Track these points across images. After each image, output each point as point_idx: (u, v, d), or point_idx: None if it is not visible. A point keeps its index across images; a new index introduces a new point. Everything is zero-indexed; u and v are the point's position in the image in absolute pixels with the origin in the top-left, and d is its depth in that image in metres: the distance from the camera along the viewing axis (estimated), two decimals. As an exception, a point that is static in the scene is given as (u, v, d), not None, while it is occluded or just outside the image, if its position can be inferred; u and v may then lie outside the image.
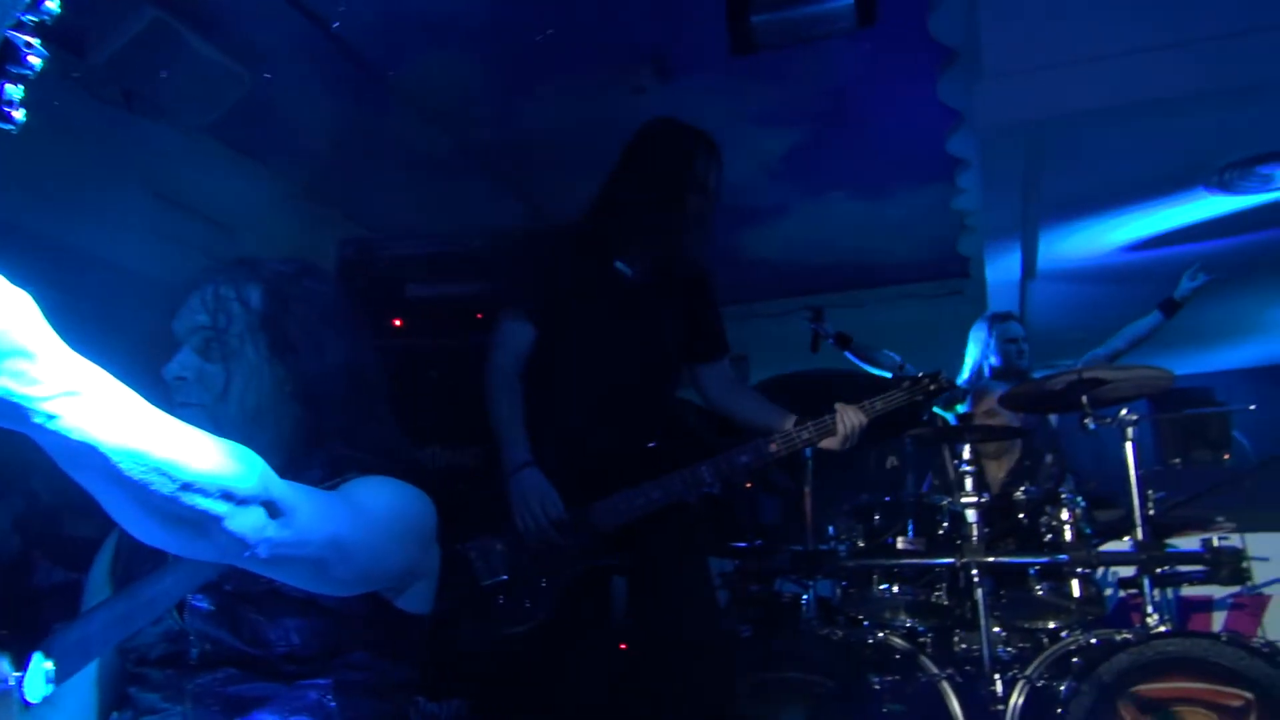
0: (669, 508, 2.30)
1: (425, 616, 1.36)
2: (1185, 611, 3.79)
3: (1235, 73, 2.78)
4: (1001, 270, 4.32)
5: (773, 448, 2.31)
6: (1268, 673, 2.30)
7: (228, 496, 0.88)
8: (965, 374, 4.05)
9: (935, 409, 4.05)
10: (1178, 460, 4.49)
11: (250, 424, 1.23)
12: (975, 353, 3.95)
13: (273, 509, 0.94)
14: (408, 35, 3.66)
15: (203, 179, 4.38)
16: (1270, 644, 3.47)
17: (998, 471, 3.61)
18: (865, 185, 4.97)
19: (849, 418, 2.31)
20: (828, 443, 2.35)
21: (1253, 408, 3.99)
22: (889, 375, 4.23)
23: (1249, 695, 2.31)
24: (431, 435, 3.48)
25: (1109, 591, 3.11)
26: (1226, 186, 3.64)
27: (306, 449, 1.30)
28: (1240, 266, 4.41)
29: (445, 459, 3.51)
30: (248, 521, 0.91)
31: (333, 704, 1.23)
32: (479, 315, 3.61)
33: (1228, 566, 2.51)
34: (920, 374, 2.51)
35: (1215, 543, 2.61)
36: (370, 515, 1.17)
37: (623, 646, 2.64)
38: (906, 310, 6.12)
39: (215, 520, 0.88)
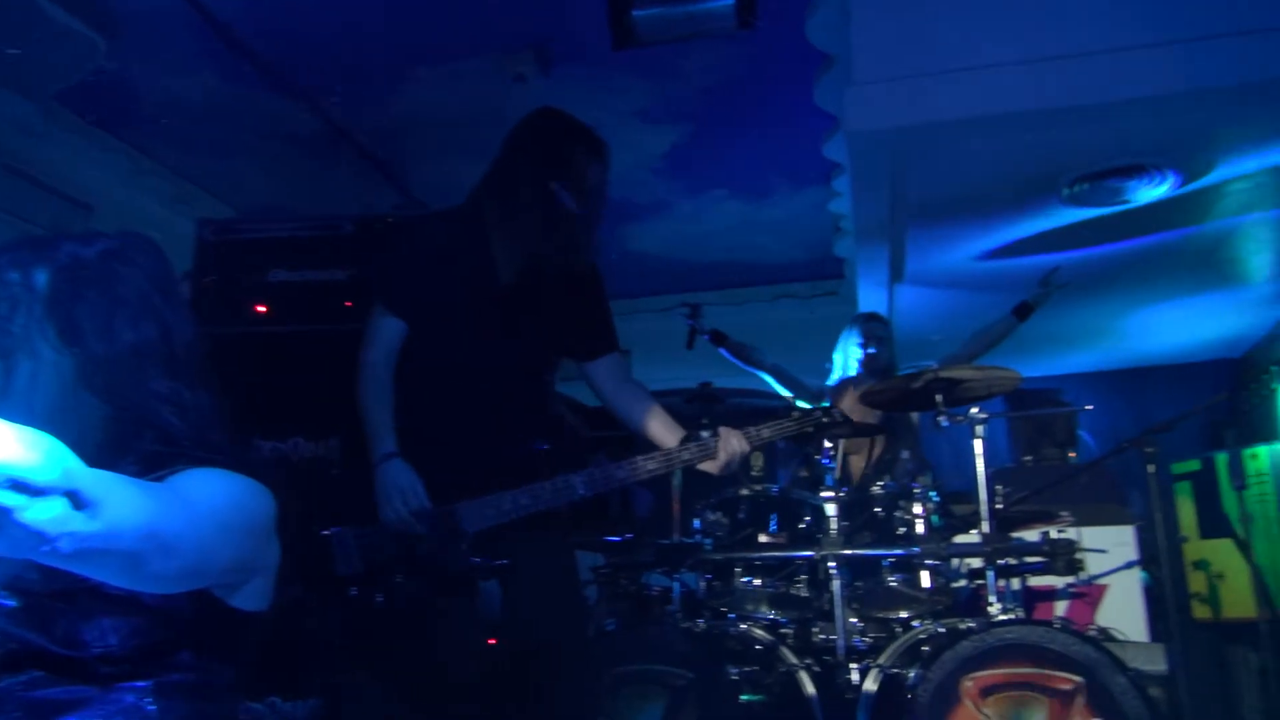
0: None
1: (261, 614, 1.30)
2: (1031, 600, 4.00)
3: (1084, 91, 2.94)
4: (871, 272, 4.47)
5: (650, 465, 2.29)
6: (1095, 657, 2.45)
7: (20, 487, 0.83)
8: (835, 372, 4.18)
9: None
10: (1029, 458, 4.74)
11: (44, 423, 1.14)
12: (842, 352, 4.08)
13: (77, 500, 0.89)
14: (278, 8, 3.53)
15: (55, 152, 4.13)
16: (1102, 630, 3.73)
17: (857, 467, 3.74)
18: (745, 185, 5.06)
19: (731, 444, 2.27)
20: (706, 466, 2.31)
21: (1090, 408, 4.25)
22: (761, 374, 4.34)
23: (1078, 678, 2.45)
24: (295, 426, 3.38)
25: (963, 582, 3.24)
26: (1077, 200, 3.85)
27: (118, 446, 1.22)
28: (1088, 276, 4.69)
29: (309, 450, 3.42)
30: (46, 513, 0.86)
31: (151, 707, 1.16)
32: (347, 303, 3.52)
33: (1063, 558, 2.66)
34: (814, 408, 2.53)
35: (1053, 535, 2.76)
36: (196, 508, 1.11)
37: (491, 642, 2.61)
38: (784, 310, 6.26)
39: (5, 513, 0.82)
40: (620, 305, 6.87)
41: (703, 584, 3.05)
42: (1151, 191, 3.75)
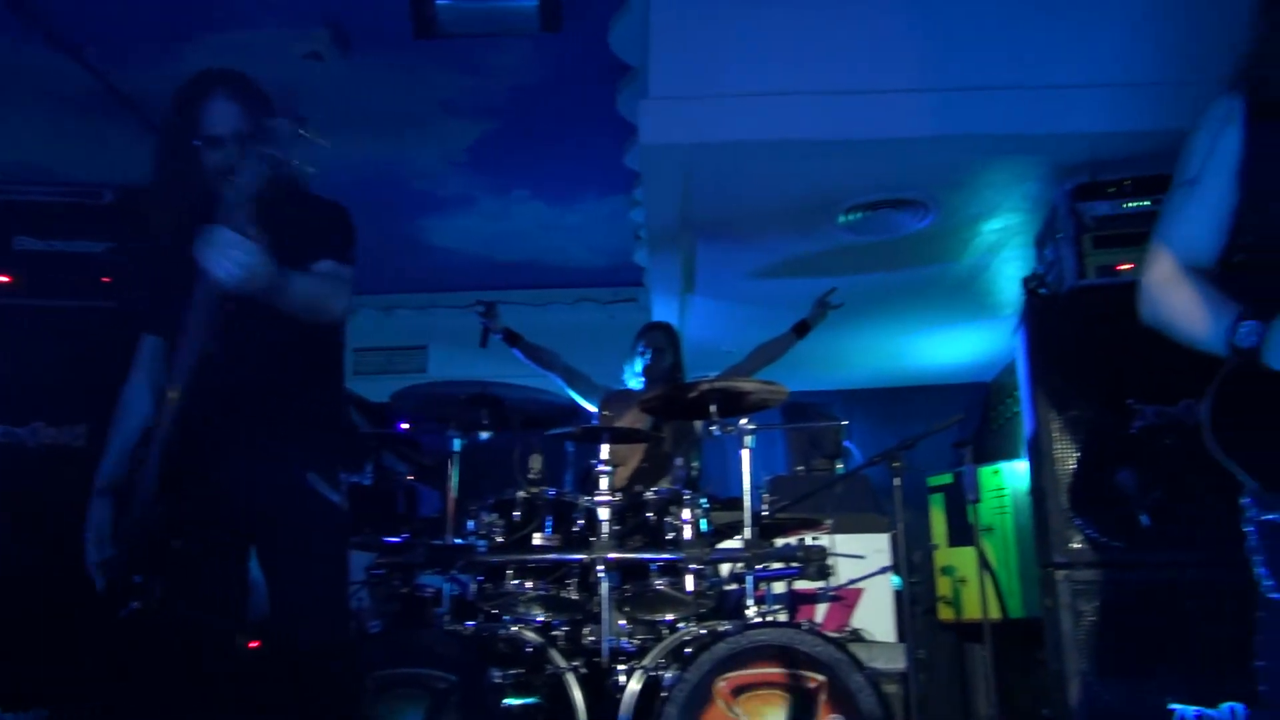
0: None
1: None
2: (795, 603, 4.23)
3: (858, 126, 3.14)
4: (663, 282, 4.58)
5: None
6: (837, 657, 2.60)
7: None
8: (626, 378, 4.26)
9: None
10: (801, 468, 5.02)
11: None
12: (628, 359, 4.17)
13: None
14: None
15: None
16: (854, 631, 3.99)
17: (624, 472, 3.83)
18: (550, 187, 5.07)
19: None
20: None
21: (845, 423, 4.57)
22: (553, 376, 4.35)
23: (822, 677, 2.59)
24: (35, 409, 3.10)
25: (734, 586, 3.37)
26: (851, 227, 4.11)
27: None
28: (861, 299, 5.02)
29: (51, 436, 3.14)
30: None
31: None
32: (105, 279, 3.26)
33: (815, 563, 2.82)
34: None
35: (807, 542, 2.92)
36: None
37: (253, 645, 2.48)
38: (584, 313, 6.30)
39: None
40: (419, 299, 6.72)
41: (474, 586, 3.01)
42: (915, 225, 4.06)
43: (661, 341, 4.07)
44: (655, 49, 3.26)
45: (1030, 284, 3.20)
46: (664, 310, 4.86)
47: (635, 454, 3.83)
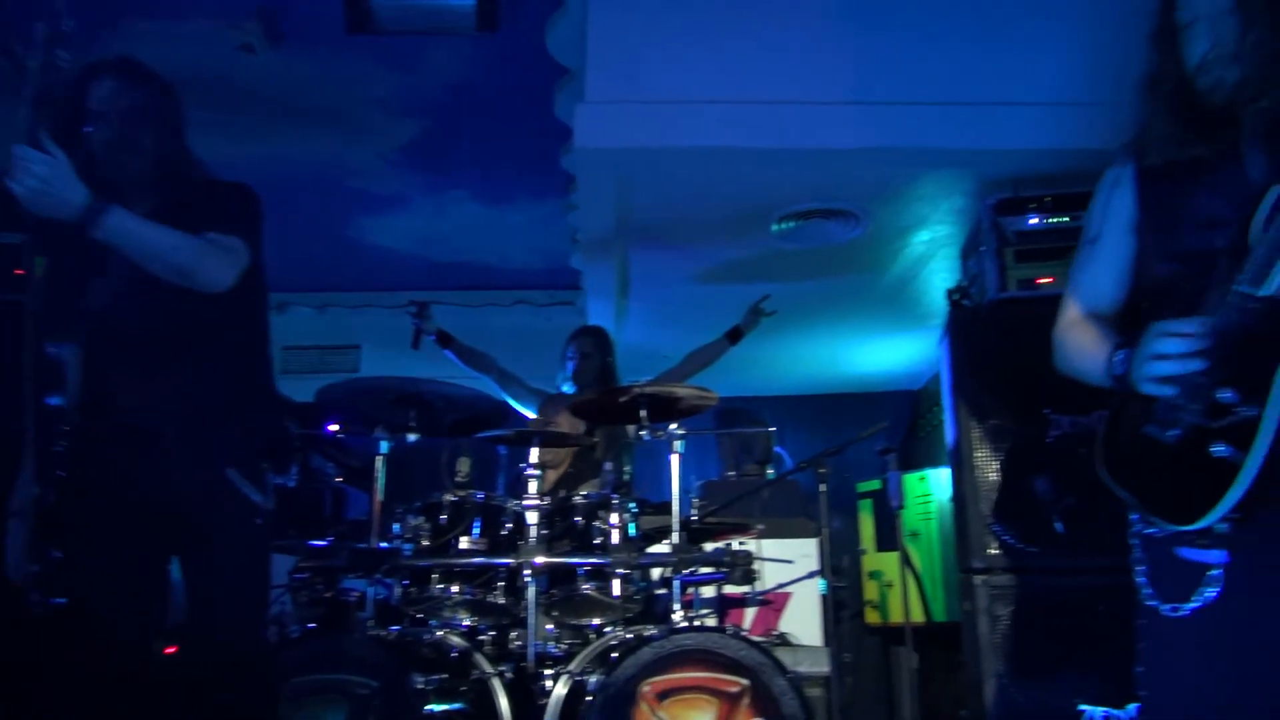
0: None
1: None
2: (725, 608, 4.25)
3: (790, 135, 3.18)
4: (599, 286, 4.58)
5: None
6: (760, 661, 2.63)
7: None
8: (560, 383, 4.25)
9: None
10: (732, 473, 5.06)
11: None
12: (560, 364, 4.16)
13: None
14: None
15: None
16: (782, 635, 4.03)
17: (554, 476, 3.83)
18: (487, 188, 5.02)
19: None
20: None
21: (773, 429, 4.63)
22: (487, 379, 4.33)
23: (745, 681, 2.61)
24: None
25: (664, 590, 3.38)
26: (785, 235, 4.15)
27: None
28: (795, 306, 5.09)
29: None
30: None
31: None
32: (18, 270, 3.15)
33: (741, 568, 2.84)
34: None
35: (733, 547, 2.94)
36: None
37: (169, 651, 2.41)
38: (521, 316, 6.26)
39: None
40: (353, 298, 6.60)
41: (399, 590, 2.98)
42: (847, 234, 4.13)
43: (589, 346, 4.08)
44: (592, 53, 3.26)
45: (954, 295, 3.27)
46: (600, 314, 4.86)
47: (566, 458, 3.82)
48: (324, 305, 6.31)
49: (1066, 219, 3.06)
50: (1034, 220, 3.13)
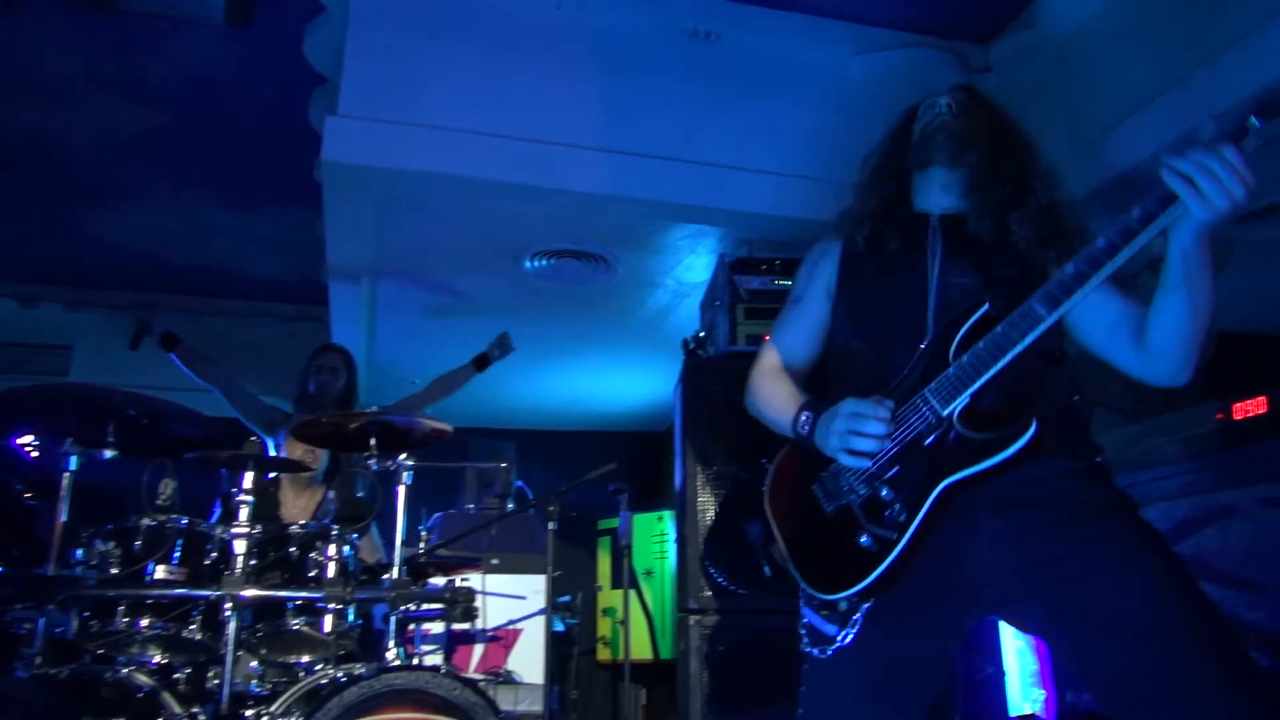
0: None
1: None
2: (453, 644, 4.16)
3: (545, 175, 3.22)
4: (345, 305, 4.41)
5: None
6: (473, 701, 2.57)
7: None
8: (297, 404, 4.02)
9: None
10: (471, 505, 5.00)
11: None
12: (300, 382, 3.96)
13: None
14: None
15: None
16: (508, 673, 3.99)
17: (293, 504, 3.62)
18: (232, 190, 4.73)
19: None
20: None
21: (505, 465, 4.65)
22: (213, 388, 4.03)
23: (457, 722, 2.55)
24: None
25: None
26: (537, 272, 4.19)
27: None
28: (546, 342, 5.14)
29: None
30: None
31: None
32: None
33: (461, 605, 2.78)
34: None
35: (457, 583, 2.88)
36: None
37: None
38: (263, 328, 5.92)
39: None
40: (68, 293, 5.97)
41: (77, 623, 2.67)
42: (598, 277, 4.22)
43: (337, 362, 3.91)
44: (349, 65, 3.16)
45: (689, 344, 3.42)
46: (348, 334, 4.67)
47: (301, 486, 3.62)
48: (32, 299, 5.68)
49: (789, 282, 3.27)
50: (763, 281, 3.34)
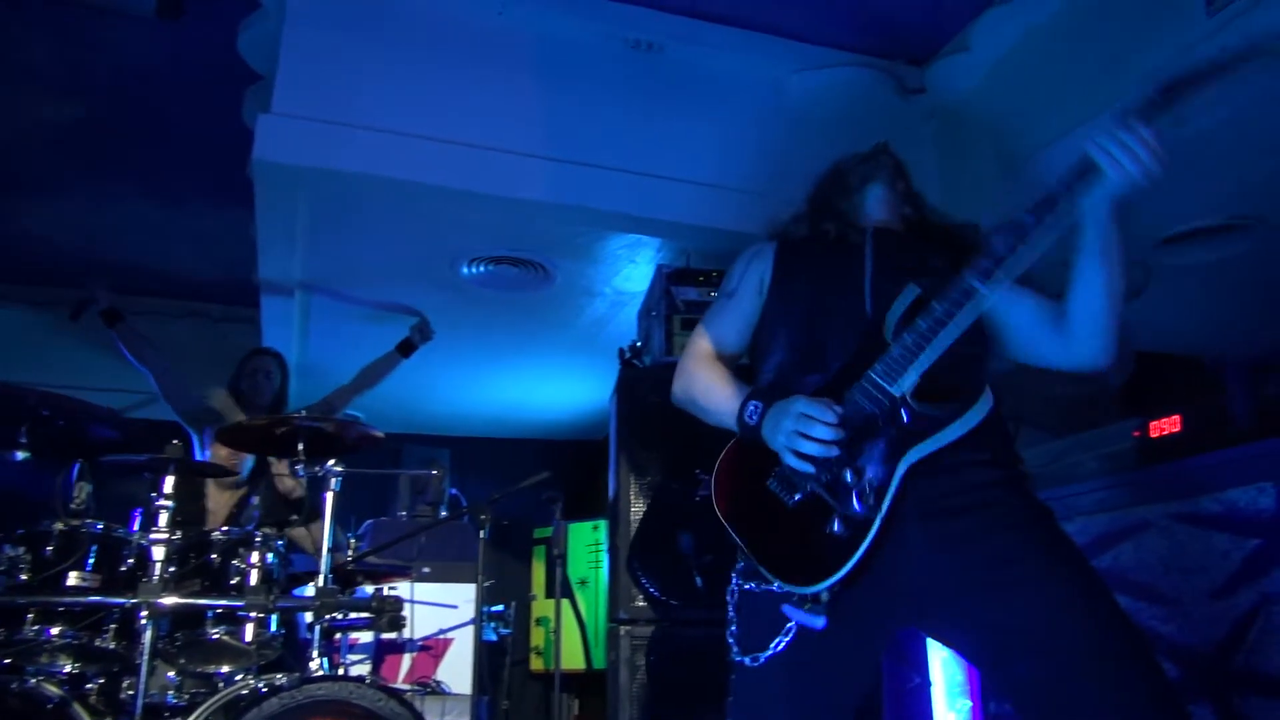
0: None
1: None
2: (382, 654, 4.09)
3: (481, 180, 3.19)
4: (275, 307, 4.32)
5: None
6: (397, 712, 2.53)
7: None
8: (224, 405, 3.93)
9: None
10: (404, 513, 4.93)
11: None
12: (232, 384, 3.88)
13: None
14: None
15: None
16: (437, 683, 3.94)
17: (219, 502, 3.53)
18: (161, 187, 4.61)
19: None
20: None
21: (436, 472, 4.60)
22: (147, 372, 3.93)
23: (379, 733, 2.50)
24: None
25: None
26: (475, 278, 4.15)
27: None
28: (483, 348, 5.11)
29: None
30: None
31: None
32: None
33: (388, 614, 2.74)
34: None
35: (385, 591, 2.83)
36: None
37: None
38: (191, 328, 5.78)
39: None
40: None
41: (-21, 632, 2.57)
42: (535, 285, 4.20)
43: (271, 366, 3.85)
44: (284, 63, 3.11)
45: (625, 354, 3.41)
46: (280, 335, 4.58)
47: (229, 490, 3.53)
48: (-52, 291, 5.47)
49: (724, 294, 3.31)
50: (699, 292, 3.35)
